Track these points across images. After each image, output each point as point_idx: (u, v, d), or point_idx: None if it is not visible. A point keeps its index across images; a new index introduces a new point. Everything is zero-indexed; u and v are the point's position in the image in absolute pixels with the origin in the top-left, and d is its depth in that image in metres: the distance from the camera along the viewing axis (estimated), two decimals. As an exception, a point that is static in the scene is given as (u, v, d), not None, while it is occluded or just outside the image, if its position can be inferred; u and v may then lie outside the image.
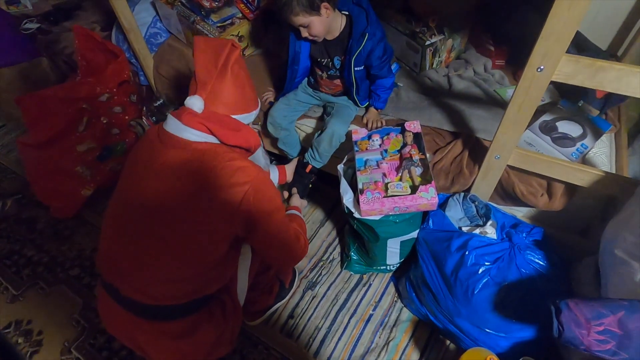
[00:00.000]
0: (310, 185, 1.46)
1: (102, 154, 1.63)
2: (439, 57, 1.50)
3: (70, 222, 1.67)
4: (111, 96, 1.60)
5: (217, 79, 0.87)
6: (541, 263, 1.05)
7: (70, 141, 1.55)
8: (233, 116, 0.91)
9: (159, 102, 1.71)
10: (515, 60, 1.48)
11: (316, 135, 1.36)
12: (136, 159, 0.90)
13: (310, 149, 1.40)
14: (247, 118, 0.95)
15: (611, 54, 1.42)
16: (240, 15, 1.60)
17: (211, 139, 0.86)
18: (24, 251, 1.59)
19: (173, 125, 0.85)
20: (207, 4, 1.56)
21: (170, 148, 0.84)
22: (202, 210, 0.82)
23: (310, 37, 1.17)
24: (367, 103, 1.39)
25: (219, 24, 1.55)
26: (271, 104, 1.45)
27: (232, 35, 1.56)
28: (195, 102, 0.86)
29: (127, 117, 1.69)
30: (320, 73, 1.35)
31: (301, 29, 1.14)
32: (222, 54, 0.88)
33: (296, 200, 1.26)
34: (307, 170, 1.42)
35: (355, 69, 1.23)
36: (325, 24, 1.14)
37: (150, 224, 0.83)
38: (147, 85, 1.82)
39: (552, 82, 0.87)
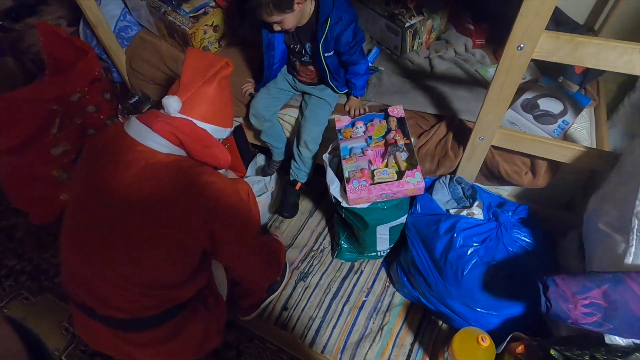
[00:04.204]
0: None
1: (78, 156, 1.58)
2: (419, 38, 1.47)
3: (51, 228, 1.62)
4: (83, 95, 1.53)
5: (203, 85, 0.87)
6: (527, 240, 1.07)
7: (43, 145, 1.48)
8: (205, 124, 0.88)
9: (134, 99, 1.65)
10: (496, 38, 1.47)
11: (294, 144, 1.37)
12: (90, 164, 0.84)
13: (292, 161, 1.41)
14: (220, 132, 0.93)
15: (589, 28, 1.42)
16: (214, 4, 1.54)
17: (178, 151, 0.83)
18: (4, 261, 1.53)
19: (137, 131, 0.80)
20: (177, -7, 1.49)
21: (130, 156, 0.78)
22: (166, 225, 0.78)
23: (283, 30, 1.16)
24: (347, 90, 1.36)
25: (191, 14, 1.49)
26: (251, 96, 1.42)
27: (207, 25, 1.50)
28: (172, 103, 0.84)
29: (102, 117, 1.62)
30: (294, 60, 1.32)
31: (274, 25, 1.12)
32: (214, 66, 0.88)
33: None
34: (297, 187, 1.44)
35: (325, 55, 1.20)
36: (298, 16, 1.13)
37: (111, 239, 0.79)
38: (122, 82, 1.75)
39: (532, 60, 0.86)
